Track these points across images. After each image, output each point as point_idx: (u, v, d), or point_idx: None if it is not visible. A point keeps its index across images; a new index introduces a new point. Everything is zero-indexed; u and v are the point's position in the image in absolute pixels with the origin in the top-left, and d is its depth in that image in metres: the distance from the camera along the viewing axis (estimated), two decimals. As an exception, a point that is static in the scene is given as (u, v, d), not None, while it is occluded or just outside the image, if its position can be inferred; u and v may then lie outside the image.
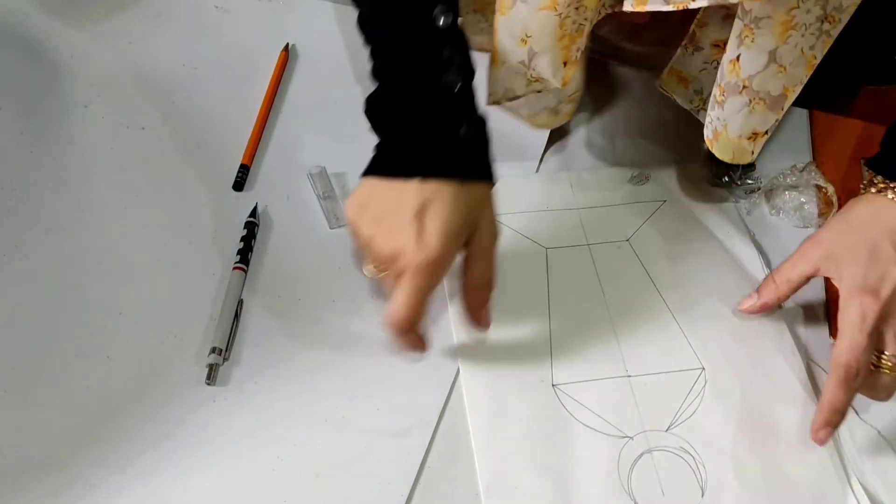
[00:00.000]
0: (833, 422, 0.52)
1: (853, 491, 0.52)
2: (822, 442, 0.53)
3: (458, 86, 0.49)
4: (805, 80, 0.53)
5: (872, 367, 0.53)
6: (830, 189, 0.65)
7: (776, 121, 0.55)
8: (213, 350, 0.52)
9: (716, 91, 0.55)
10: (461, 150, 0.49)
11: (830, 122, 0.70)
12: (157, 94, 0.65)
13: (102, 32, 0.67)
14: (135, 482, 0.48)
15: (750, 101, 0.54)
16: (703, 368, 0.57)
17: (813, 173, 0.65)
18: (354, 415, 0.52)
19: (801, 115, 0.72)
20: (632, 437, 0.53)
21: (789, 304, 0.60)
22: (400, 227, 0.47)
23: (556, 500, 0.50)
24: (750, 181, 0.66)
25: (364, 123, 0.65)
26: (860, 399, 0.56)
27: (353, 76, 0.69)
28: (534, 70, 0.55)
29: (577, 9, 0.53)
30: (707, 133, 0.58)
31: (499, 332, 0.56)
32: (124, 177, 0.60)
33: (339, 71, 0.69)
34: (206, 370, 0.52)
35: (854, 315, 0.52)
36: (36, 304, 0.53)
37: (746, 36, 0.50)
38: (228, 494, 0.48)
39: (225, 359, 0.53)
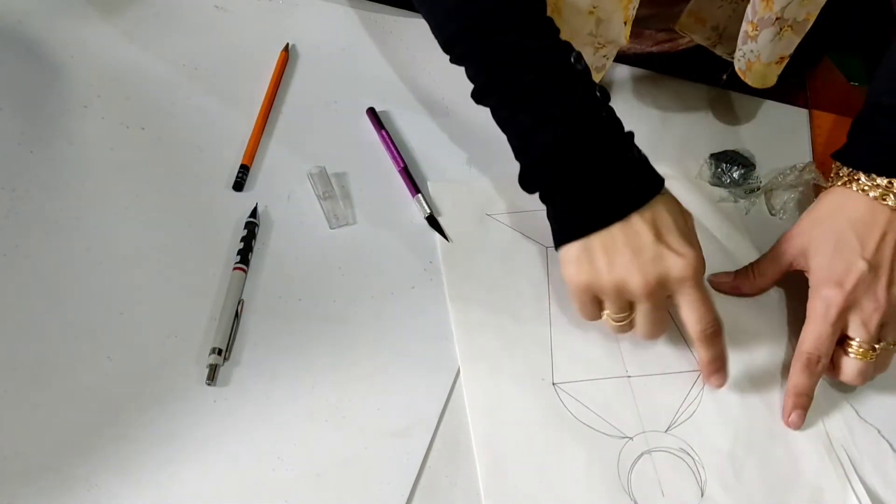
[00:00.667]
0: (801, 404, 0.54)
1: (854, 490, 0.52)
2: (795, 425, 0.54)
3: (612, 116, 0.53)
4: (822, 3, 0.57)
5: (845, 355, 0.55)
6: (830, 189, 0.65)
7: (797, 44, 0.60)
8: (214, 350, 0.52)
9: (747, 28, 0.59)
10: (644, 170, 0.53)
11: (830, 122, 0.71)
12: (157, 94, 0.65)
13: (102, 32, 0.67)
14: (135, 482, 0.48)
15: (780, 29, 0.59)
16: (703, 369, 0.57)
17: (813, 173, 0.65)
18: (354, 415, 0.52)
19: (802, 115, 0.72)
20: (631, 438, 0.53)
21: (788, 304, 0.60)
22: (647, 259, 0.50)
23: (555, 500, 0.50)
24: (750, 181, 0.66)
25: (364, 125, 0.66)
26: (860, 399, 0.57)
27: (353, 76, 0.69)
28: (601, 37, 0.59)
29: None
30: (739, 65, 0.63)
31: (499, 331, 0.56)
32: (124, 177, 0.60)
33: (339, 71, 0.69)
34: (207, 370, 0.52)
35: (818, 306, 0.54)
36: (36, 304, 0.53)
37: None
38: (228, 494, 0.48)
39: (225, 359, 0.53)
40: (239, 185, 0.61)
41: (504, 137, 0.56)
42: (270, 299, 0.56)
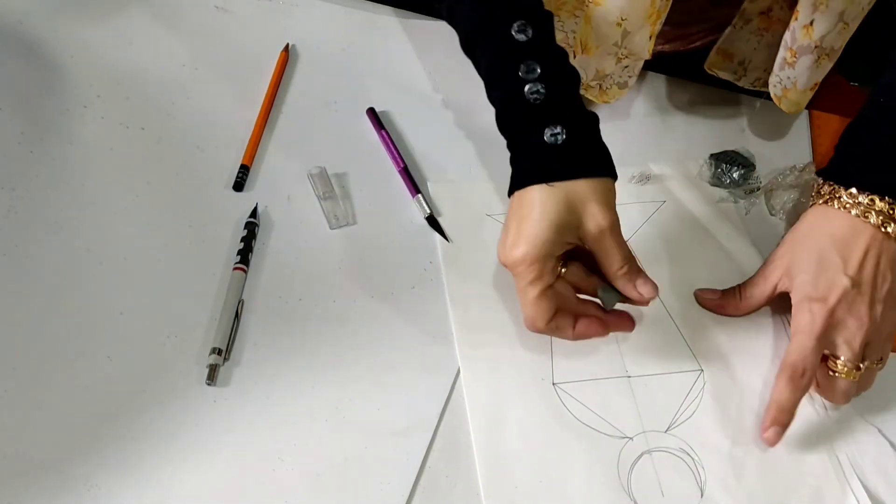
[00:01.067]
0: (781, 420, 0.53)
1: (853, 491, 0.52)
2: (770, 442, 0.53)
3: (544, 94, 0.52)
4: (854, 30, 0.58)
5: (830, 374, 0.54)
6: (830, 189, 0.65)
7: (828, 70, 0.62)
8: (214, 350, 0.52)
9: (785, 54, 0.61)
10: (544, 158, 0.52)
11: (830, 122, 0.71)
12: (157, 94, 0.65)
13: (102, 32, 0.67)
14: (135, 482, 0.48)
15: (818, 57, 0.60)
16: (702, 370, 0.57)
17: (813, 173, 0.65)
18: (354, 415, 0.52)
19: (802, 115, 0.72)
20: (631, 438, 0.53)
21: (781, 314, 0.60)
22: (503, 235, 0.53)
23: (555, 500, 0.50)
24: (750, 181, 0.66)
25: (364, 125, 0.66)
26: (861, 399, 0.56)
27: (353, 76, 0.69)
28: (625, 48, 0.60)
29: None
30: (775, 91, 0.65)
31: (499, 331, 0.56)
32: (124, 177, 0.60)
33: (339, 71, 0.69)
34: (207, 370, 0.52)
35: (803, 320, 0.54)
36: (36, 304, 0.53)
37: (822, 3, 0.56)
38: (229, 494, 0.48)
39: (225, 359, 0.53)
40: (239, 185, 0.61)
41: (502, 138, 0.57)
42: (270, 299, 0.56)
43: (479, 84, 0.57)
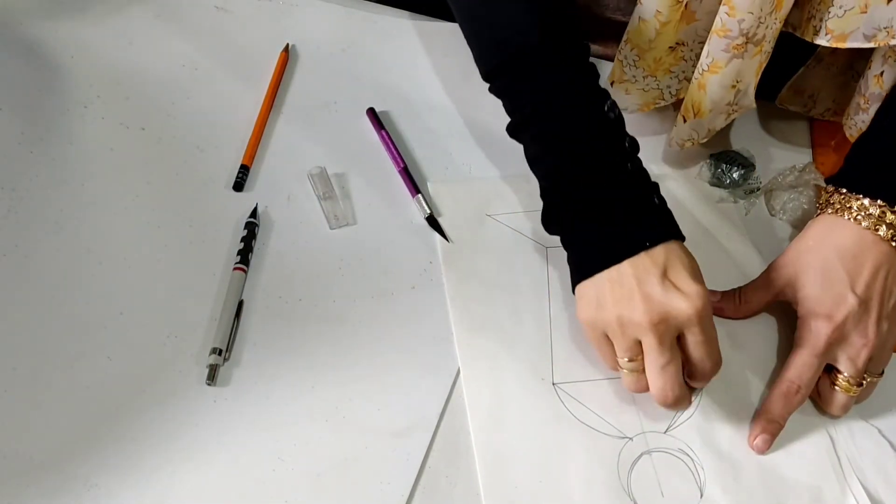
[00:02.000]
0: (770, 430, 0.53)
1: (852, 491, 0.52)
2: (760, 450, 0.53)
3: (638, 166, 0.53)
4: None
5: (831, 386, 0.54)
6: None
7: None
8: (214, 350, 0.52)
9: (860, 101, 0.62)
10: (664, 216, 0.53)
11: (830, 122, 0.70)
12: (157, 94, 0.65)
13: (102, 32, 0.67)
14: (135, 482, 0.48)
15: None
16: (703, 369, 0.57)
17: (813, 174, 0.65)
18: (354, 415, 0.52)
19: (802, 115, 0.72)
20: (631, 438, 0.53)
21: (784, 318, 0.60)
22: (653, 294, 0.49)
23: (555, 500, 0.50)
24: (750, 181, 0.66)
25: (364, 125, 0.66)
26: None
27: (353, 76, 0.69)
28: (737, 104, 0.61)
29: (770, 42, 0.58)
30: (850, 132, 0.65)
31: (499, 331, 0.56)
32: (124, 177, 0.60)
33: (339, 71, 0.69)
34: (207, 370, 0.52)
35: (807, 336, 0.54)
36: (36, 304, 0.53)
37: (890, 56, 0.58)
38: (229, 495, 0.48)
39: (225, 359, 0.53)
40: (239, 185, 0.61)
41: (506, 137, 0.57)
42: (270, 299, 0.56)
43: (479, 84, 0.58)
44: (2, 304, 0.53)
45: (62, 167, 0.59)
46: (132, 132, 0.62)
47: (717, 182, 0.66)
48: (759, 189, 0.66)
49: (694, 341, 0.50)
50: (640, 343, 0.51)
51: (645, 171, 0.54)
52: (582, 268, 0.53)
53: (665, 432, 0.54)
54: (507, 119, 0.56)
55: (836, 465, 0.54)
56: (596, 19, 0.71)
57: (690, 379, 0.52)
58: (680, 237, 0.52)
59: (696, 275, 0.51)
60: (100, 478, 0.48)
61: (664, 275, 0.50)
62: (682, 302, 0.49)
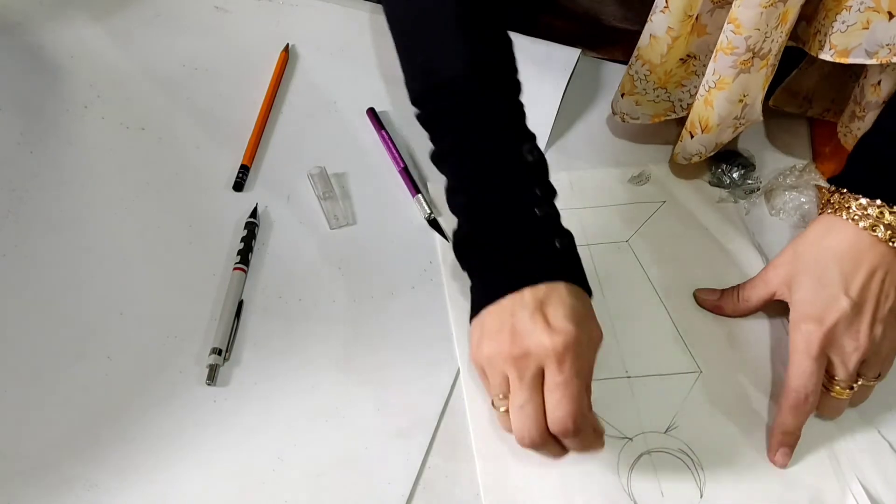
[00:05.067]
0: (788, 442, 0.53)
1: (852, 492, 0.52)
2: (781, 464, 0.53)
3: (546, 211, 0.51)
4: None
5: (823, 389, 0.53)
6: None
7: None
8: (214, 350, 0.52)
9: (855, 108, 0.62)
10: (560, 260, 0.50)
11: (830, 122, 0.70)
12: (157, 94, 0.65)
13: (102, 32, 0.67)
14: (135, 482, 0.48)
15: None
16: (701, 371, 0.57)
17: (813, 173, 0.65)
18: (354, 415, 0.52)
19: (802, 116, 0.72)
20: (631, 439, 0.53)
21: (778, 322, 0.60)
22: (520, 327, 0.46)
23: (555, 501, 0.50)
24: (750, 181, 0.66)
25: (364, 125, 0.66)
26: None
27: (353, 76, 0.69)
28: (744, 118, 0.61)
29: (776, 55, 0.57)
30: (845, 140, 0.64)
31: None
32: (124, 177, 0.60)
33: (339, 71, 0.69)
34: (207, 370, 0.52)
35: (799, 342, 0.53)
36: (36, 304, 0.53)
37: (888, 66, 0.57)
38: (228, 494, 0.48)
39: (225, 359, 0.53)
40: (239, 185, 0.61)
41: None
42: (270, 299, 0.56)
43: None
44: (2, 304, 0.53)
45: (62, 167, 0.59)
46: (132, 132, 0.62)
47: (717, 182, 0.66)
48: (759, 189, 0.66)
49: (551, 382, 0.46)
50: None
51: (555, 219, 0.51)
52: (475, 304, 0.50)
53: (665, 432, 0.54)
54: None
55: (836, 465, 0.53)
56: (597, 26, 0.71)
57: (551, 432, 0.47)
58: (580, 283, 0.49)
59: (575, 316, 0.47)
60: (100, 478, 0.48)
61: (538, 309, 0.47)
62: (545, 337, 0.45)
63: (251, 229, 0.58)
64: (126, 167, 0.61)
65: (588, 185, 0.65)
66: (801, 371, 0.52)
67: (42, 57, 0.65)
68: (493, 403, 0.49)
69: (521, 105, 0.53)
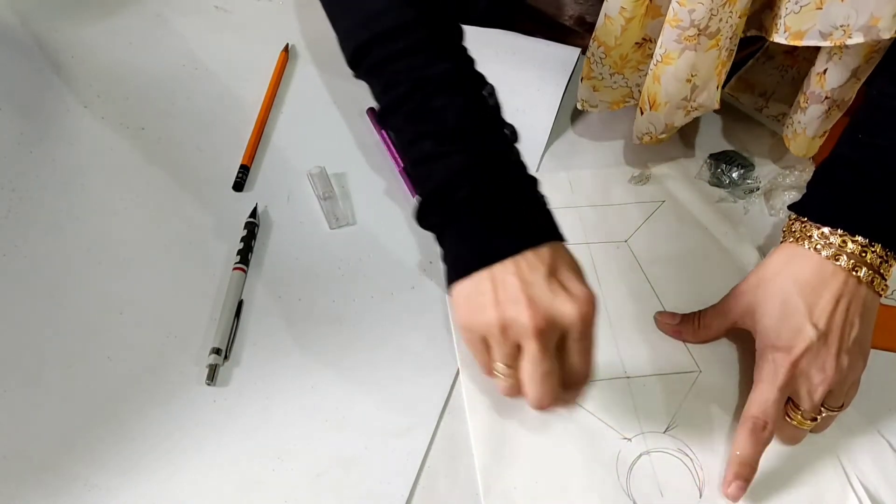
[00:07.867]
0: (743, 475, 0.51)
1: (854, 491, 0.52)
2: (734, 497, 0.51)
3: (522, 162, 0.50)
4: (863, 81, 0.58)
5: (786, 418, 0.53)
6: (830, 189, 0.65)
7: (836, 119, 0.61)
8: (214, 350, 0.52)
9: (800, 98, 0.61)
10: (548, 214, 0.49)
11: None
12: (157, 94, 0.65)
13: (102, 32, 0.67)
14: (135, 482, 0.48)
15: (829, 108, 0.59)
16: (700, 371, 0.57)
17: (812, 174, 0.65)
18: (354, 415, 0.52)
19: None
20: (630, 439, 0.53)
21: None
22: (540, 296, 0.45)
23: (555, 500, 0.50)
24: (749, 181, 0.66)
25: (364, 125, 0.66)
26: (861, 400, 0.56)
27: (353, 76, 0.69)
28: (694, 101, 0.60)
29: (730, 38, 0.56)
30: (787, 133, 0.64)
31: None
32: (124, 177, 0.60)
33: (339, 71, 0.69)
34: (207, 370, 0.52)
35: (766, 370, 0.52)
36: (36, 304, 0.53)
37: (835, 54, 0.56)
38: (228, 494, 0.48)
39: (225, 359, 0.53)
40: (239, 185, 0.61)
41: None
42: (270, 299, 0.56)
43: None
44: (2, 304, 0.53)
45: (62, 167, 0.59)
46: (132, 132, 0.63)
47: (716, 182, 0.66)
48: (758, 189, 0.66)
49: (575, 347, 0.47)
50: (519, 347, 0.47)
51: (525, 165, 0.50)
52: (458, 265, 0.48)
53: (664, 432, 0.54)
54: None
55: (837, 465, 0.54)
56: (552, 24, 0.70)
57: (563, 387, 0.48)
58: (562, 238, 0.49)
59: (583, 276, 0.48)
60: (100, 478, 0.48)
61: (551, 275, 0.46)
62: (569, 306, 0.45)
63: (251, 229, 0.58)
64: (126, 167, 0.61)
65: (588, 184, 0.65)
66: (764, 399, 0.51)
67: (42, 56, 0.65)
68: (493, 370, 0.48)
69: (467, 50, 0.52)
